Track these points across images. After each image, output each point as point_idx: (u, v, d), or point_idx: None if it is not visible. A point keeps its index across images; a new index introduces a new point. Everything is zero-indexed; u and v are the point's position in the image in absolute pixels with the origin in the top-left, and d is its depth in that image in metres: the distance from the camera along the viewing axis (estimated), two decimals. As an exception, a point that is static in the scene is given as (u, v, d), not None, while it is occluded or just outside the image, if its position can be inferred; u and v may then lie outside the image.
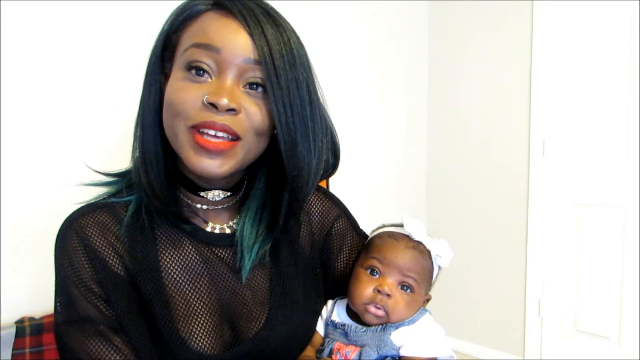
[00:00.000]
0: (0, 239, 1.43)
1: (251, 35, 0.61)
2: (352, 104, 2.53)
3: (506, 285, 2.66)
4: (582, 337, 2.42)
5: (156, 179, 0.66)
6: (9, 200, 1.44)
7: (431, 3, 2.91)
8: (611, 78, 2.29)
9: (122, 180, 0.72)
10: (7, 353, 1.34)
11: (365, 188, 2.61)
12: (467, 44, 2.78)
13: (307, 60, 0.67)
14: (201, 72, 0.62)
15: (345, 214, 0.85)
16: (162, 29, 0.66)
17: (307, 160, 0.66)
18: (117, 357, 0.61)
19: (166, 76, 0.67)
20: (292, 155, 0.65)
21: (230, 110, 0.60)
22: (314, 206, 0.83)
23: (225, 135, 0.61)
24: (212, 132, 0.61)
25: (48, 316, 1.43)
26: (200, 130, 0.61)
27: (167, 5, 0.70)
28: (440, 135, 2.93)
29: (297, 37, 0.66)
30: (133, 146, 0.68)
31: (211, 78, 0.62)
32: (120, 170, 0.74)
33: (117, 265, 0.65)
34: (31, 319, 1.41)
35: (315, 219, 0.82)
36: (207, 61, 0.61)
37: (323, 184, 1.71)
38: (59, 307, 0.65)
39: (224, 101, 0.59)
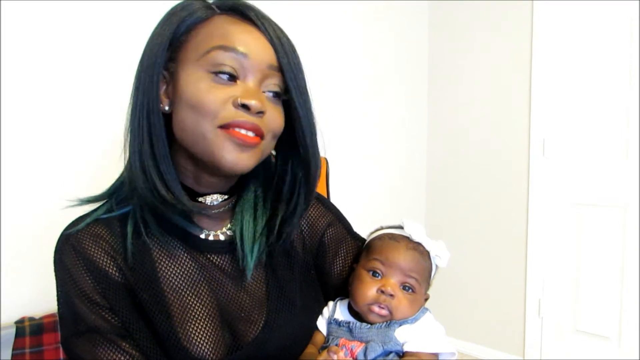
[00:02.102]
0: (0, 240, 1.43)
1: (272, 43, 0.66)
2: (352, 104, 2.53)
3: (506, 285, 2.66)
4: (582, 337, 2.42)
5: (174, 183, 0.66)
6: (9, 201, 1.44)
7: (431, 3, 2.91)
8: (611, 78, 2.29)
9: (111, 199, 0.72)
10: (7, 353, 1.34)
11: (365, 188, 2.62)
12: (467, 44, 2.78)
13: None
14: (226, 74, 0.64)
15: (338, 219, 0.86)
16: (162, 31, 0.65)
17: (319, 162, 0.72)
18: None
19: (164, 77, 0.66)
20: (312, 156, 0.71)
21: (260, 112, 0.64)
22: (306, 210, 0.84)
23: (252, 134, 0.64)
24: (242, 131, 0.63)
25: (48, 316, 1.43)
26: (231, 128, 0.63)
27: (165, 6, 0.69)
28: (440, 135, 2.93)
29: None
30: (134, 154, 0.65)
31: (235, 81, 0.64)
32: (109, 189, 0.74)
33: (116, 275, 0.66)
34: (31, 319, 1.41)
35: (305, 223, 0.83)
36: (233, 64, 0.64)
37: (323, 183, 1.71)
38: (65, 322, 0.66)
39: (256, 103, 0.63)
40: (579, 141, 2.40)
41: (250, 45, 0.64)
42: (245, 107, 0.63)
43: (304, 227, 0.83)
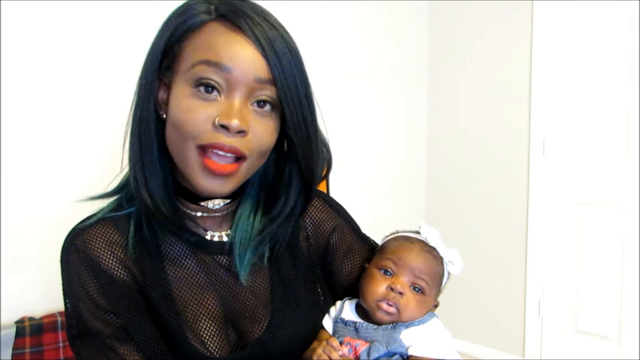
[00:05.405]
0: (0, 240, 1.43)
1: (263, 53, 0.61)
2: (353, 104, 2.53)
3: (506, 285, 2.66)
4: (582, 337, 2.42)
5: (157, 191, 0.66)
6: (9, 201, 1.44)
7: (431, 3, 2.91)
8: (611, 78, 2.29)
9: (122, 193, 0.72)
10: (7, 353, 1.34)
11: (365, 188, 2.61)
12: (467, 43, 2.78)
13: (308, 75, 0.68)
14: (210, 89, 0.61)
15: (346, 221, 0.86)
16: (160, 37, 0.64)
17: (317, 172, 0.71)
18: None
19: (164, 84, 0.66)
20: (308, 166, 0.70)
21: (240, 132, 0.61)
22: (311, 212, 0.83)
23: (232, 155, 0.62)
24: (221, 153, 0.61)
25: (48, 316, 1.43)
26: (208, 150, 0.61)
27: (166, 6, 0.69)
28: (440, 135, 2.93)
29: (299, 51, 0.66)
30: (130, 157, 0.67)
31: (220, 96, 0.61)
32: (119, 183, 0.74)
33: (122, 275, 0.66)
34: (31, 319, 1.41)
35: (311, 223, 0.83)
36: (217, 79, 0.61)
37: (323, 182, 1.71)
38: (70, 322, 0.66)
39: (235, 123, 0.60)
40: (579, 141, 2.40)
41: (236, 58, 0.60)
42: (224, 127, 0.60)
43: (309, 228, 0.82)
